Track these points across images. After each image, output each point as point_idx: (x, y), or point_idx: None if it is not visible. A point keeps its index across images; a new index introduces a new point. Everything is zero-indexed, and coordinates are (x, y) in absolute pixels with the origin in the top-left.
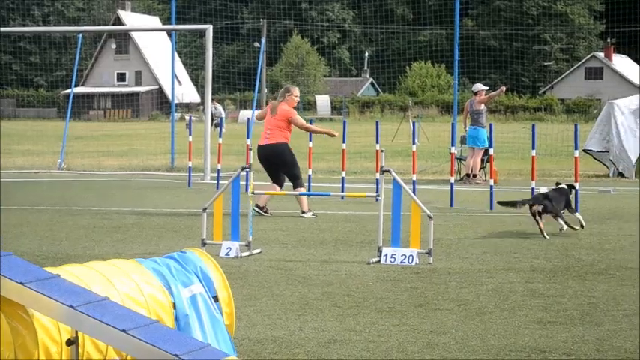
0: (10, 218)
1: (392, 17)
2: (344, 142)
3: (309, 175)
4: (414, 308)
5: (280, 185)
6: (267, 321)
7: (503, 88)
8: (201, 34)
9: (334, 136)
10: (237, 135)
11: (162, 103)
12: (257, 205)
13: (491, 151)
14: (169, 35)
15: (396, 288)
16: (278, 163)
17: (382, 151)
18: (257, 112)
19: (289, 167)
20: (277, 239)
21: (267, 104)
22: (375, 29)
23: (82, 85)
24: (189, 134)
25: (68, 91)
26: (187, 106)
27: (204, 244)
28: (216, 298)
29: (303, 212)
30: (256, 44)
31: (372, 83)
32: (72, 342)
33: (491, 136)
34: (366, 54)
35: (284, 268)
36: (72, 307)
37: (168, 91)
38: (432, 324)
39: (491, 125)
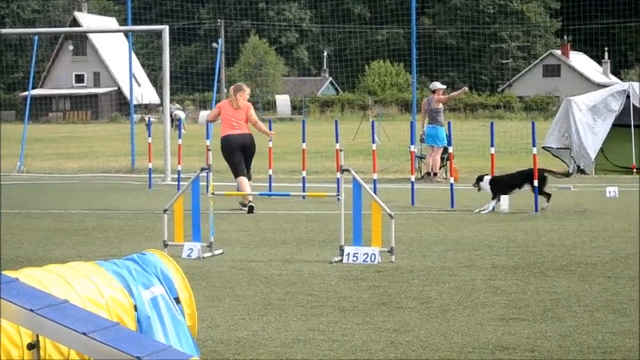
0: None
1: (349, 16)
2: (304, 141)
3: (270, 175)
4: (377, 307)
5: (249, 176)
6: (230, 322)
7: (465, 89)
8: (158, 35)
9: (270, 136)
10: (197, 136)
11: (121, 105)
12: (242, 204)
13: (450, 149)
14: (127, 36)
15: (359, 287)
16: (251, 152)
17: (341, 150)
18: (208, 113)
19: (252, 158)
20: (239, 240)
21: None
22: (333, 28)
23: (40, 87)
24: (149, 135)
25: (26, 93)
26: (147, 107)
27: (165, 245)
28: (177, 300)
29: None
30: (214, 45)
31: (331, 82)
32: (33, 346)
33: (450, 134)
34: (325, 53)
35: (246, 269)
36: (31, 310)
37: (127, 92)
38: (395, 322)
39: (449, 123)
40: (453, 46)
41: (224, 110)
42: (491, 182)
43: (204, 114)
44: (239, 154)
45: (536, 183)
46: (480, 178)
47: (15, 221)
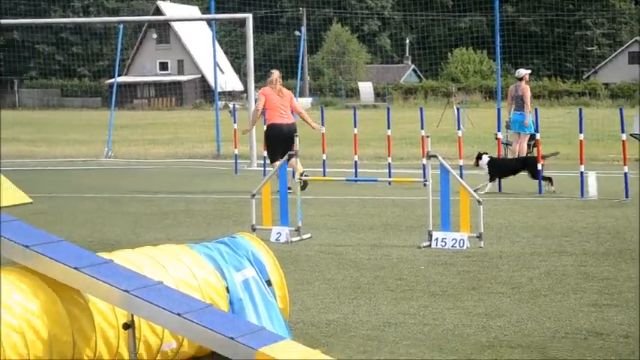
0: (61, 206)
1: (432, 4)
2: (389, 128)
3: (356, 162)
4: (467, 292)
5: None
6: (321, 305)
7: None
8: (241, 23)
9: (316, 129)
10: None
11: (205, 92)
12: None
13: (537, 136)
14: (209, 24)
15: (448, 272)
16: (294, 140)
17: (428, 136)
18: (260, 103)
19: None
20: (326, 224)
21: (273, 92)
22: (415, 16)
23: (125, 74)
24: (235, 122)
25: (112, 80)
26: (230, 94)
27: (254, 229)
28: (269, 282)
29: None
30: (297, 32)
31: (414, 70)
32: (128, 326)
33: (537, 121)
34: (407, 41)
35: (335, 253)
36: (127, 291)
37: (210, 79)
38: (485, 307)
39: (536, 110)
40: (537, 33)
41: (270, 98)
42: (489, 163)
43: None
44: (284, 143)
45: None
46: (480, 157)
47: (104, 205)
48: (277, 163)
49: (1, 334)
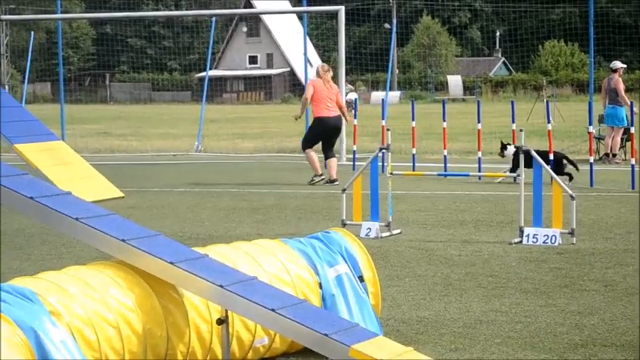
0: (152, 200)
1: None
2: (479, 121)
3: (445, 156)
4: (559, 289)
5: (333, 156)
6: (412, 301)
7: None
8: (332, 15)
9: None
10: (369, 116)
11: (294, 86)
12: (330, 181)
13: (632, 130)
14: (300, 18)
15: (540, 269)
16: (338, 134)
17: (521, 130)
18: (309, 94)
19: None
20: (417, 220)
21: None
22: (506, 8)
23: (215, 68)
24: None
25: (202, 74)
26: None
27: (344, 224)
28: (361, 278)
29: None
30: (387, 25)
31: (504, 63)
32: (222, 321)
33: (632, 115)
34: (498, 33)
35: (425, 249)
36: (222, 286)
37: (299, 73)
38: (578, 305)
39: (632, 103)
40: (630, 25)
41: (319, 89)
42: (516, 154)
43: (376, 95)
44: (329, 136)
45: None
46: (504, 147)
47: (195, 200)
48: (310, 152)
49: (98, 328)
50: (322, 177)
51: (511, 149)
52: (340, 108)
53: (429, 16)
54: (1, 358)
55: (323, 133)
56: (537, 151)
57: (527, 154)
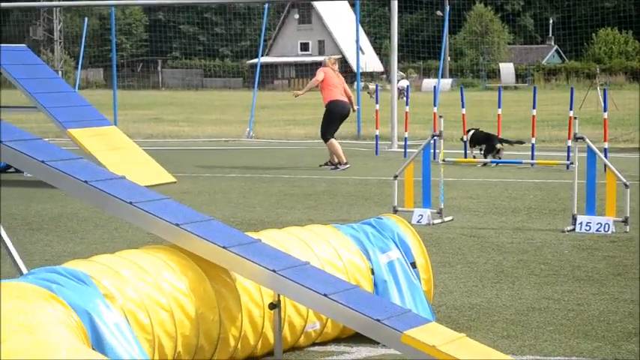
0: (204, 185)
1: None
2: (534, 108)
3: None
4: (612, 277)
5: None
6: (463, 288)
7: None
8: (385, 2)
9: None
10: (421, 103)
11: (345, 72)
12: (338, 163)
13: None
14: (352, 5)
15: (593, 256)
16: (345, 119)
17: (575, 118)
18: (320, 78)
19: None
20: (468, 207)
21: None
22: None
23: (267, 55)
24: (376, 102)
25: (253, 61)
26: (371, 75)
27: (395, 211)
28: (414, 265)
29: (339, 164)
30: (439, 12)
31: (557, 50)
32: (275, 306)
33: None
34: (551, 21)
35: (477, 236)
36: (274, 271)
37: (351, 60)
38: (632, 293)
39: None
40: None
41: (331, 76)
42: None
43: (427, 82)
44: (341, 120)
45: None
46: (469, 132)
47: (247, 185)
48: (332, 140)
49: (151, 311)
50: (347, 165)
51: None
52: (349, 97)
53: (481, 3)
54: (58, 340)
55: (340, 116)
56: (481, 133)
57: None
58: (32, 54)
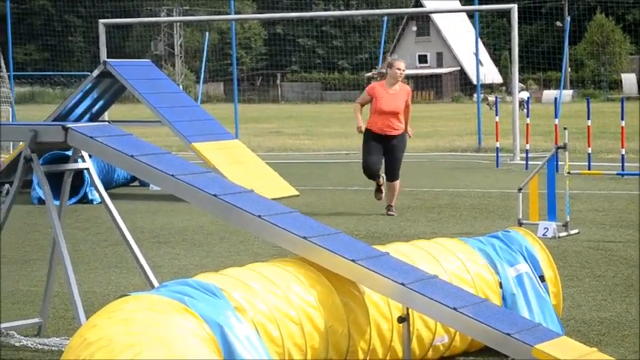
0: (327, 198)
1: None
2: None
3: (623, 155)
4: None
5: None
6: (592, 302)
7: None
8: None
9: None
10: (541, 115)
11: (464, 85)
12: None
13: None
14: (470, 16)
15: None
16: None
17: None
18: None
19: None
20: (594, 220)
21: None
22: None
23: None
24: (496, 114)
25: (369, 73)
26: (490, 87)
27: (520, 224)
28: (542, 278)
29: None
30: (558, 23)
31: None
32: (403, 319)
33: None
34: None
35: (604, 249)
36: (403, 284)
37: (469, 72)
38: None
39: None
40: None
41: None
42: None
43: (547, 93)
44: None
45: None
46: None
47: (369, 198)
48: None
49: (281, 324)
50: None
51: None
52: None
53: (602, 13)
54: (192, 352)
55: None
56: None
57: None
58: (156, 69)
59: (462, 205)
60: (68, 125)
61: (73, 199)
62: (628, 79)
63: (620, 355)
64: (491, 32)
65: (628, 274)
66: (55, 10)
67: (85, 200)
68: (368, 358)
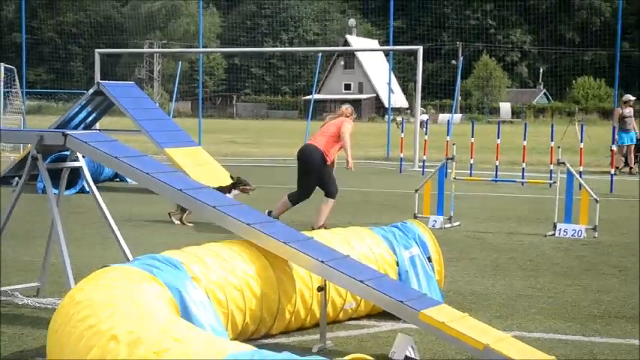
0: (267, 194)
1: (562, 40)
2: (525, 139)
3: (497, 166)
4: (583, 272)
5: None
6: (466, 278)
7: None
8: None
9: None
10: (436, 133)
11: (378, 108)
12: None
13: None
14: (386, 55)
15: (568, 256)
16: None
17: (559, 147)
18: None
19: None
20: (472, 215)
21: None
22: (549, 50)
23: (318, 92)
24: (402, 132)
25: (308, 97)
26: (398, 110)
27: (415, 217)
28: (429, 259)
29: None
30: (453, 62)
31: (544, 93)
32: (321, 289)
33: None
34: (541, 70)
35: (478, 238)
36: (322, 262)
37: (383, 98)
38: (598, 285)
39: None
40: None
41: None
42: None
43: (443, 116)
44: None
45: None
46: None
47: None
48: None
49: (227, 290)
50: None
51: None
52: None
53: (487, 55)
54: (157, 310)
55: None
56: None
57: None
58: (138, 89)
59: (372, 202)
60: (67, 132)
61: (72, 190)
62: (504, 106)
63: (486, 319)
64: (402, 67)
65: (495, 257)
66: (60, 40)
67: (82, 191)
68: (293, 317)
